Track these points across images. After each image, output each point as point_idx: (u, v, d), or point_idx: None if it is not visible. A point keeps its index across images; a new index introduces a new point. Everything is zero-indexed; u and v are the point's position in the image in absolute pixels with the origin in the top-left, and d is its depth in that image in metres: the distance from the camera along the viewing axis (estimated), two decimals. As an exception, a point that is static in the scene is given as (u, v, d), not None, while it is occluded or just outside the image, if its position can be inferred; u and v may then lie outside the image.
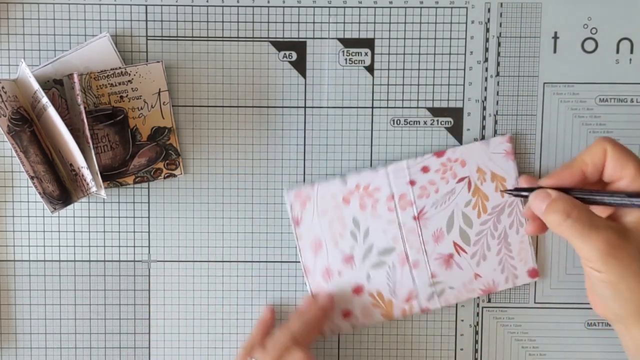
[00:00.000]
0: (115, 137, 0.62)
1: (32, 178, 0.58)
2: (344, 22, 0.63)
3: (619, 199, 0.52)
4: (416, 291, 0.62)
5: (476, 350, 0.65)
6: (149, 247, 0.64)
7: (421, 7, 0.63)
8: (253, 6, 0.63)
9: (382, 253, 0.62)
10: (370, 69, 0.63)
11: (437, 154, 0.61)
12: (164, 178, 0.64)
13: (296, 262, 0.65)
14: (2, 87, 0.58)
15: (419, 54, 0.63)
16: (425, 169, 0.61)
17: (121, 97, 0.61)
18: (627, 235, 0.51)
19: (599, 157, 0.54)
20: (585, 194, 0.54)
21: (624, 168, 0.53)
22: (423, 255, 0.61)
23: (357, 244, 0.62)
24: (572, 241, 0.52)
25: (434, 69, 0.64)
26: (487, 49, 0.63)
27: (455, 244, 0.62)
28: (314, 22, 0.63)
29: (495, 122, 0.64)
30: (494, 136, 0.63)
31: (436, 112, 0.64)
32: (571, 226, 0.52)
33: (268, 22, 0.63)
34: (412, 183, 0.61)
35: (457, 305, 0.65)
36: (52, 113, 0.58)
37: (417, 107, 0.64)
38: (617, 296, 0.51)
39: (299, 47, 0.63)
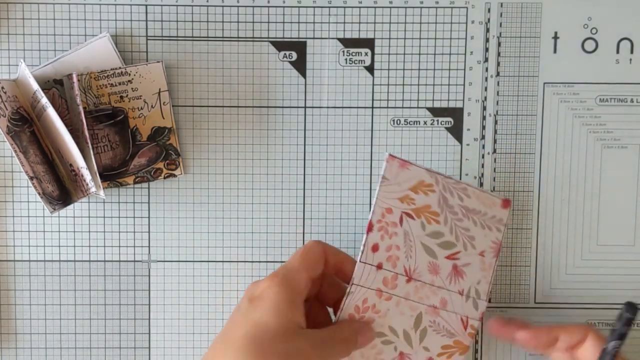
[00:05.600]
0: (116, 137, 0.62)
1: (31, 179, 0.58)
2: (344, 22, 0.63)
3: None
4: (465, 315, 0.60)
5: (476, 351, 0.65)
6: (149, 247, 0.64)
7: (421, 7, 0.63)
8: (253, 6, 0.63)
9: (416, 327, 0.60)
10: (370, 69, 0.63)
11: (367, 228, 0.58)
12: (164, 178, 0.64)
13: (296, 262, 0.65)
14: (2, 87, 0.58)
15: (419, 54, 0.63)
16: (375, 248, 0.58)
17: (121, 97, 0.61)
18: None
19: (577, 339, 0.58)
20: None
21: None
22: (441, 292, 0.60)
23: (396, 344, 0.59)
24: None
25: (434, 69, 0.64)
26: (487, 49, 0.63)
27: (448, 257, 0.60)
28: (314, 22, 0.63)
29: (495, 122, 0.64)
30: (386, 163, 0.58)
31: (436, 112, 0.64)
32: None
33: (268, 22, 0.63)
34: (379, 267, 0.58)
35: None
36: (52, 113, 0.58)
37: (417, 107, 0.64)
38: None
39: (299, 47, 0.63)
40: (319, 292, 0.57)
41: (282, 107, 0.64)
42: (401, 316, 0.59)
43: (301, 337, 0.50)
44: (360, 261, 0.56)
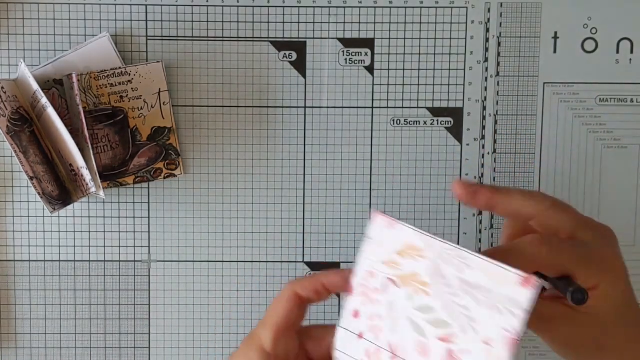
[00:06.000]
0: (115, 137, 0.62)
1: (31, 179, 0.58)
2: (344, 22, 0.63)
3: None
4: None
5: (476, 350, 0.65)
6: (149, 247, 0.64)
7: (421, 7, 0.63)
8: (253, 6, 0.63)
9: None
10: (370, 69, 0.63)
11: (348, 291, 0.50)
12: (164, 178, 0.64)
13: (296, 262, 0.65)
14: (2, 87, 0.58)
15: (419, 54, 0.63)
16: (356, 314, 0.50)
17: (121, 97, 0.61)
18: (578, 322, 0.49)
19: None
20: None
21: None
22: None
23: None
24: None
25: (434, 69, 0.64)
26: (487, 49, 0.63)
27: (440, 339, 0.47)
28: (314, 22, 0.63)
29: (495, 122, 0.64)
30: (371, 220, 0.50)
31: (436, 112, 0.64)
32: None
33: (268, 22, 0.63)
34: (360, 336, 0.49)
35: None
36: (52, 113, 0.58)
37: (417, 107, 0.64)
38: None
39: (299, 47, 0.63)
40: (307, 347, 0.52)
41: (282, 107, 0.64)
42: None
43: None
44: (340, 326, 0.50)
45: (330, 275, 0.50)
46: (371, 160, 0.64)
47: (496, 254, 0.47)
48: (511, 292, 0.46)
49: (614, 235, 0.51)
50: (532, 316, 0.47)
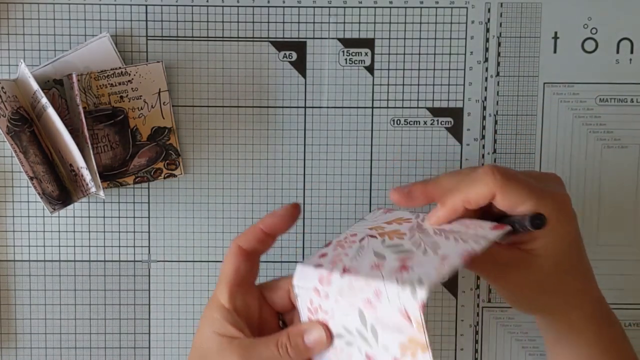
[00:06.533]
0: (116, 137, 0.62)
1: (31, 179, 0.58)
2: (344, 22, 0.63)
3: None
4: (402, 306, 0.48)
5: (476, 351, 0.65)
6: (149, 247, 0.64)
7: (421, 7, 0.63)
8: (253, 6, 0.63)
9: (364, 325, 0.50)
10: (370, 69, 0.63)
11: (325, 244, 0.53)
12: (164, 178, 0.64)
13: (296, 262, 0.65)
14: (2, 88, 0.59)
15: (419, 54, 0.63)
16: (323, 255, 0.51)
17: (121, 97, 0.61)
18: (530, 265, 0.50)
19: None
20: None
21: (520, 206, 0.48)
22: (376, 282, 0.48)
23: (357, 344, 0.51)
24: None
25: (434, 69, 0.64)
26: (487, 49, 0.64)
27: (399, 258, 0.49)
28: (314, 22, 0.63)
29: (495, 122, 0.64)
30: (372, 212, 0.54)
31: (436, 112, 0.64)
32: (477, 270, 0.52)
33: (268, 22, 0.63)
34: (317, 265, 0.51)
35: (457, 305, 0.65)
36: (52, 113, 0.58)
37: (417, 107, 0.64)
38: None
39: (299, 47, 0.63)
40: (268, 299, 0.54)
41: (282, 107, 0.64)
42: (346, 316, 0.51)
43: (227, 350, 0.50)
44: (299, 263, 0.52)
45: (265, 218, 0.52)
46: (371, 160, 0.64)
47: (454, 186, 0.49)
48: (481, 232, 0.49)
49: (562, 180, 0.52)
50: (489, 264, 0.50)
